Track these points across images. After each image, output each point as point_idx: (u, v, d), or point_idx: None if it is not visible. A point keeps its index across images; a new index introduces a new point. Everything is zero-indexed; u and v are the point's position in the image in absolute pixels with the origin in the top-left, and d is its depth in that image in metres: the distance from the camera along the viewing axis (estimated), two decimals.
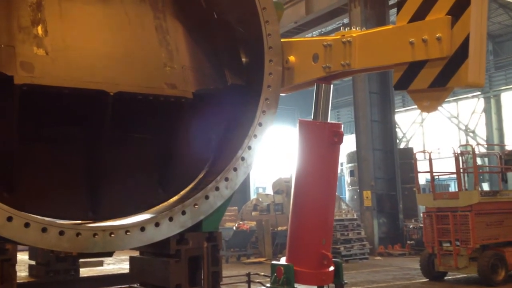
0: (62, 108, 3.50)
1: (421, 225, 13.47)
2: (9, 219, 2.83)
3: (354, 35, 3.76)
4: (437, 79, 3.33)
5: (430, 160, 11.19)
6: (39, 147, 3.58)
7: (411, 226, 17.86)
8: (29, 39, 3.27)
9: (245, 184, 24.23)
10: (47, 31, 3.35)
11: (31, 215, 3.02)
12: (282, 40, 4.05)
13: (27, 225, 2.87)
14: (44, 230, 2.92)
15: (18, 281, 3.07)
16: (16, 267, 3.02)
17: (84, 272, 9.00)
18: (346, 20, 22.45)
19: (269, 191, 22.61)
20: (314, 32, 25.50)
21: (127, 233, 3.19)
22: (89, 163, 3.67)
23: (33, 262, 8.28)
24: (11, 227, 2.83)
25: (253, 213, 19.74)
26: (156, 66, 3.71)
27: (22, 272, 9.21)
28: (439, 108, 3.82)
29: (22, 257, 8.70)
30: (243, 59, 4.17)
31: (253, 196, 27.18)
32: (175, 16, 3.96)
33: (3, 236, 2.83)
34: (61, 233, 2.96)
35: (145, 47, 3.73)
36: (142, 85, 3.59)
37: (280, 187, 18.89)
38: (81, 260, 7.16)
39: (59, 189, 3.60)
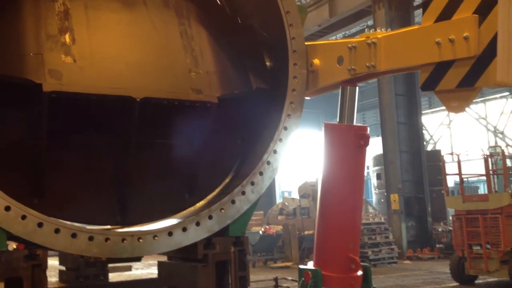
0: (89, 115, 3.55)
1: (450, 228, 13.27)
2: (40, 225, 2.87)
3: (379, 36, 3.72)
4: (465, 79, 3.27)
5: (459, 162, 11.02)
6: (68, 153, 3.64)
7: (440, 229, 17.60)
8: (57, 47, 3.33)
9: (271, 188, 24.19)
10: (75, 39, 3.41)
11: (61, 220, 3.06)
12: (306, 43, 4.03)
13: (57, 231, 2.92)
14: (74, 235, 2.96)
15: (48, 286, 3.12)
16: (47, 272, 3.05)
17: (113, 277, 9.10)
18: (370, 22, 22.30)
19: (295, 195, 22.54)
20: (338, 35, 25.42)
21: (155, 238, 3.21)
22: (117, 169, 3.71)
23: (63, 268, 8.40)
24: (41, 233, 2.87)
25: (279, 217, 19.70)
26: (182, 71, 3.74)
27: (52, 278, 9.35)
28: (467, 109, 3.77)
29: (53, 262, 8.83)
30: (268, 63, 4.17)
31: (279, 200, 27.15)
32: (200, 22, 3.98)
33: (34, 242, 2.88)
34: (91, 238, 3.00)
35: (170, 53, 3.76)
36: (167, 91, 3.62)
37: (306, 191, 18.80)
38: (110, 265, 7.24)
39: (88, 194, 3.65)
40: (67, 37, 3.39)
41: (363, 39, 3.81)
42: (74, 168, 3.64)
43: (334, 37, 24.43)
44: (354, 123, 4.18)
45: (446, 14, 3.37)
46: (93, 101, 3.37)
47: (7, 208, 2.81)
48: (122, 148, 3.65)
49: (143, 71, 3.60)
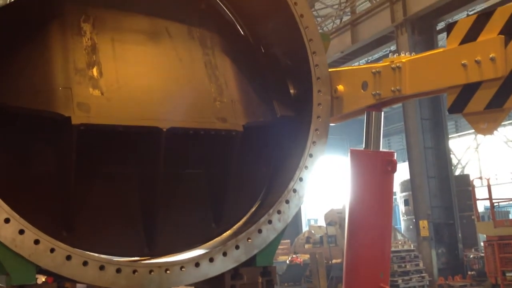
0: (117, 146, 3.59)
1: (482, 254, 12.93)
2: (68, 258, 2.88)
3: (403, 60, 3.70)
4: (493, 100, 3.23)
5: (489, 186, 10.81)
6: (96, 185, 3.66)
7: (471, 256, 17.15)
8: (85, 81, 3.39)
9: (297, 216, 24.00)
10: (102, 72, 3.47)
11: (89, 253, 3.07)
12: (329, 69, 4.04)
13: (85, 263, 2.92)
14: (101, 268, 2.95)
15: None
16: None
17: None
18: (393, 47, 22.30)
19: (321, 222, 22.33)
20: (361, 61, 25.46)
21: (182, 269, 3.19)
22: (144, 200, 3.72)
23: None
24: (70, 266, 2.88)
25: (306, 246, 19.49)
26: (207, 101, 3.77)
27: None
28: (495, 132, 3.71)
29: None
30: (291, 90, 4.18)
31: (305, 228, 26.91)
32: (223, 52, 4.03)
33: (62, 275, 2.89)
34: (118, 270, 2.99)
35: (195, 83, 3.80)
36: (193, 120, 3.65)
37: (333, 219, 18.61)
38: None
39: (115, 226, 3.66)
40: (94, 71, 3.46)
41: (387, 63, 3.80)
42: (102, 199, 3.67)
43: (357, 63, 24.51)
44: (380, 148, 4.14)
45: (471, 36, 3.34)
46: (120, 132, 3.41)
47: (36, 242, 2.83)
48: (149, 179, 3.66)
49: (169, 101, 3.64)
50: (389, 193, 4.13)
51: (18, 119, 3.35)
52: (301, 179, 3.70)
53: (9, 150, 3.43)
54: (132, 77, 3.58)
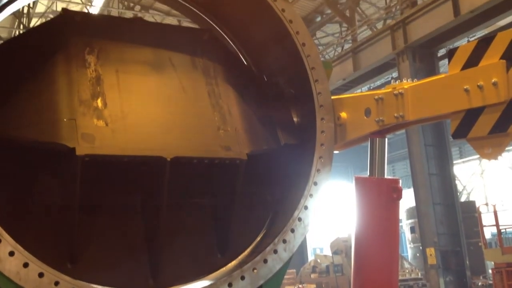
0: (121, 177, 3.58)
1: (491, 282, 12.75)
2: None
3: (405, 86, 3.72)
4: (497, 125, 3.22)
5: (495, 213, 10.72)
6: (100, 216, 3.65)
7: (479, 284, 16.95)
8: (89, 112, 3.41)
9: (303, 245, 23.81)
10: (106, 103, 3.49)
11: (94, 285, 3.04)
12: (332, 97, 4.05)
13: None
14: None
15: None
16: None
17: None
18: (395, 74, 22.46)
19: (327, 251, 22.10)
20: (363, 88, 25.61)
21: None
22: (148, 230, 3.70)
23: None
24: None
25: (312, 275, 19.26)
26: (210, 130, 3.78)
27: None
28: (499, 157, 3.71)
29: None
30: (295, 119, 4.19)
31: (311, 257, 26.63)
32: (227, 81, 4.06)
33: None
34: None
35: (199, 112, 3.82)
36: (197, 149, 3.65)
37: (339, 247, 18.44)
38: None
39: (120, 257, 3.63)
40: (99, 102, 3.48)
41: (389, 90, 3.81)
42: (106, 231, 3.64)
43: (359, 90, 24.64)
44: (385, 175, 4.12)
45: (472, 61, 3.36)
46: (125, 162, 3.41)
47: (41, 275, 2.81)
48: (154, 209, 3.64)
49: (173, 131, 3.65)
50: (395, 220, 4.09)
51: (22, 150, 3.35)
52: (306, 208, 3.68)
53: (13, 182, 3.43)
54: (136, 107, 3.60)
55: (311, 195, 3.72)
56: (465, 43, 3.57)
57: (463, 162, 32.11)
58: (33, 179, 3.48)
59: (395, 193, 3.94)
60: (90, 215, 3.55)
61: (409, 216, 22.09)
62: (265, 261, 3.44)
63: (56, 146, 3.23)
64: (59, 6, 28.33)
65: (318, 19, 29.73)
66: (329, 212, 31.34)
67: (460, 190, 30.18)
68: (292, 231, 3.59)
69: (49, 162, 3.43)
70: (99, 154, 3.27)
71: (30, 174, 3.46)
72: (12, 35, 28.46)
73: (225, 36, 4.56)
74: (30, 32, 3.93)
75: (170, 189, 3.52)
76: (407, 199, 19.64)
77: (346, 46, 26.93)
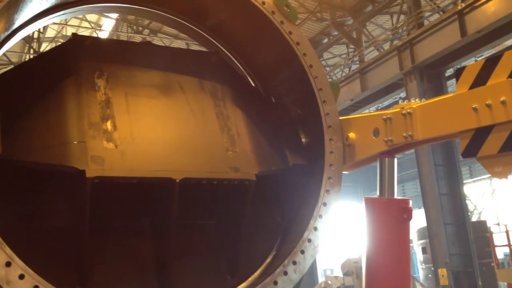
0: (131, 198, 3.59)
1: None
2: None
3: (414, 106, 3.72)
4: (507, 143, 3.21)
5: (507, 232, 10.59)
6: (109, 238, 3.65)
7: None
8: (99, 134, 3.43)
9: (313, 266, 23.62)
10: (116, 126, 3.52)
11: None
12: (340, 118, 4.06)
13: None
14: None
15: None
16: None
17: None
18: (402, 94, 22.46)
19: (338, 272, 21.86)
20: (370, 108, 25.61)
21: None
22: (158, 253, 3.69)
23: None
24: None
25: None
26: (219, 151, 3.79)
27: None
28: (510, 176, 3.67)
29: None
30: (303, 139, 4.20)
31: (321, 278, 26.35)
32: (235, 103, 4.08)
33: None
34: None
35: (207, 134, 3.84)
36: (206, 171, 3.65)
37: (350, 268, 18.24)
38: None
39: (129, 280, 3.62)
40: (108, 124, 3.51)
41: (397, 110, 3.82)
42: (115, 252, 3.64)
43: (367, 110, 24.65)
44: (395, 196, 4.10)
45: (480, 80, 3.36)
46: (134, 184, 3.42)
47: None
48: (162, 231, 3.64)
49: (182, 153, 3.66)
50: (406, 241, 4.05)
51: (33, 173, 3.38)
52: (315, 229, 3.66)
53: (23, 204, 3.45)
54: (146, 130, 3.63)
55: (320, 216, 3.71)
56: (472, 62, 3.57)
57: (474, 181, 31.86)
58: (43, 201, 3.50)
59: (406, 214, 3.91)
60: (100, 237, 3.56)
61: (420, 237, 21.87)
62: (275, 283, 3.41)
63: (66, 169, 3.26)
64: (69, 31, 28.73)
65: (325, 40, 29.92)
66: (339, 233, 31.10)
67: (471, 210, 29.88)
68: (302, 252, 3.56)
69: (60, 185, 3.45)
70: (108, 176, 3.29)
71: (41, 196, 3.48)
72: (23, 60, 28.87)
73: (233, 58, 4.60)
74: (41, 57, 3.99)
75: (179, 211, 3.52)
76: (418, 219, 19.48)
77: (354, 67, 27.03)
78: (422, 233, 21.26)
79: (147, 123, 3.67)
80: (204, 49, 4.79)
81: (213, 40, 4.59)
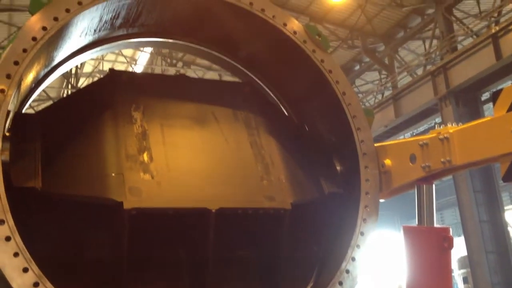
0: (167, 229, 3.60)
1: None
2: None
3: (451, 131, 3.65)
4: None
5: None
6: (147, 270, 3.65)
7: None
8: (136, 166, 3.48)
9: None
10: (152, 157, 3.57)
11: None
12: (375, 144, 4.01)
13: None
14: None
15: None
16: None
17: None
18: (438, 119, 22.13)
19: None
20: (405, 134, 25.28)
21: None
22: (195, 284, 3.67)
23: None
24: None
25: None
26: (254, 180, 3.78)
27: None
28: None
29: None
30: (338, 167, 4.16)
31: None
32: (268, 132, 4.09)
33: None
34: None
35: (242, 163, 3.84)
36: (241, 200, 3.65)
37: None
38: None
39: None
40: (145, 156, 3.56)
41: (434, 135, 3.75)
42: (153, 285, 3.64)
43: (402, 136, 24.35)
44: (435, 224, 3.99)
45: None
46: (170, 215, 3.44)
47: None
48: (199, 262, 3.63)
49: (217, 183, 3.67)
50: (448, 271, 3.93)
51: (72, 205, 3.43)
52: (353, 259, 3.59)
53: (62, 237, 3.49)
54: (181, 161, 3.66)
55: (358, 246, 3.64)
56: (509, 85, 3.51)
57: None
58: (82, 233, 3.54)
59: (446, 242, 3.80)
60: (137, 269, 3.57)
61: (461, 266, 21.25)
62: None
63: (104, 201, 3.30)
64: (106, 66, 29.56)
65: (357, 67, 29.91)
66: (378, 263, 30.45)
67: None
68: (340, 283, 3.49)
69: (98, 216, 3.49)
70: (146, 207, 3.32)
71: (80, 228, 3.52)
72: (61, 95, 29.73)
73: (265, 87, 4.63)
74: (80, 92, 4.11)
75: (216, 241, 3.51)
76: (458, 248, 18.92)
77: (387, 93, 26.85)
78: (462, 262, 20.65)
79: (182, 154, 3.70)
80: (237, 79, 4.85)
81: (246, 71, 4.64)
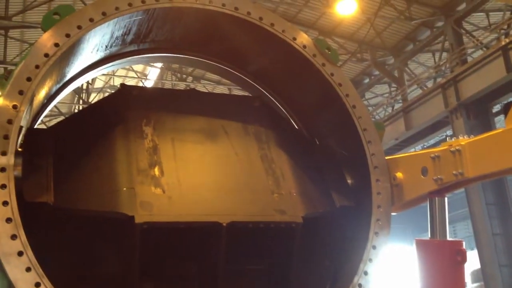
0: (178, 243, 3.60)
1: None
2: None
3: (462, 143, 3.62)
4: None
5: None
6: (158, 284, 3.65)
7: None
8: (147, 180, 3.49)
9: None
10: (163, 171, 3.58)
11: None
12: (386, 157, 3.99)
13: None
14: None
15: None
16: None
17: None
18: (449, 132, 22.02)
19: None
20: (416, 147, 25.17)
21: None
22: None
23: None
24: None
25: None
26: (264, 194, 3.78)
27: None
28: None
29: None
30: (349, 181, 4.14)
31: None
32: (279, 146, 4.09)
33: None
34: None
35: (252, 177, 3.84)
36: (252, 214, 3.64)
37: None
38: None
39: None
40: (156, 170, 3.57)
41: (445, 147, 3.72)
42: None
43: (412, 149, 24.24)
44: (448, 237, 3.95)
45: None
46: (181, 229, 3.44)
47: None
48: (210, 277, 3.62)
49: (228, 197, 3.67)
50: (461, 285, 3.88)
51: (84, 220, 3.45)
52: (366, 273, 3.56)
53: (75, 251, 3.51)
54: (192, 175, 3.67)
55: (370, 260, 3.61)
56: None
57: None
58: (94, 247, 3.55)
59: (460, 256, 3.76)
60: (149, 283, 3.56)
61: (474, 279, 20.99)
62: None
63: (116, 215, 3.31)
64: (116, 81, 29.81)
65: (367, 80, 29.91)
66: (390, 277, 30.20)
67: None
68: None
69: (110, 231, 3.50)
70: (157, 222, 3.32)
71: (91, 243, 3.53)
72: (72, 110, 29.99)
73: (275, 101, 4.65)
74: (91, 107, 4.15)
75: (227, 255, 3.50)
76: (471, 261, 18.70)
77: (397, 105, 26.80)
78: (476, 276, 20.40)
79: (193, 168, 3.71)
80: (246, 93, 4.86)
81: (256, 84, 4.66)
